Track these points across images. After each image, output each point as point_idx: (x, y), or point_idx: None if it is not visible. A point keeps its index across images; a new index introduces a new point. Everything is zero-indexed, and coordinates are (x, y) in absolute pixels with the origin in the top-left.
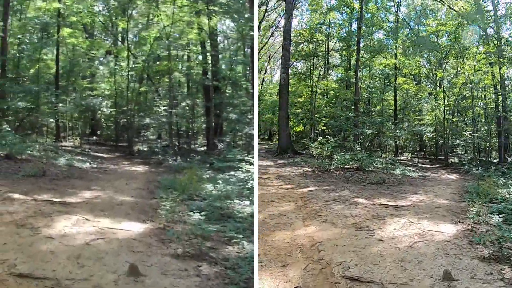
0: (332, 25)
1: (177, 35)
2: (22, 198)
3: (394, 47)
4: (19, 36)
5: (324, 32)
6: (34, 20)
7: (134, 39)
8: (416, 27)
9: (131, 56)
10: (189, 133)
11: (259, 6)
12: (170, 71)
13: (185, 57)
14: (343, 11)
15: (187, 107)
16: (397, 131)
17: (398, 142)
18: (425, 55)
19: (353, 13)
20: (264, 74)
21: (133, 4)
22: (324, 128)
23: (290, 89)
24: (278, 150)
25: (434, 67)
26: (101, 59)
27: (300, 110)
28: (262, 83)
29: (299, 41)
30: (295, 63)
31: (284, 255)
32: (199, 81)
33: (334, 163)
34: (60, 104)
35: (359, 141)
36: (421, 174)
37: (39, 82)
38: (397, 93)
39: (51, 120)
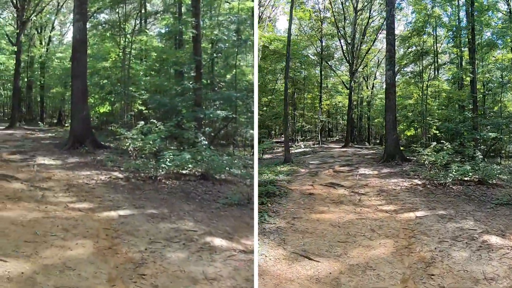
0: (439, 26)
1: None
2: None
3: (509, 40)
4: (212, 36)
5: (431, 29)
6: (229, 18)
7: None
8: None
9: None
10: None
11: (360, 10)
12: None
13: None
14: (451, 5)
15: None
16: None
17: None
18: None
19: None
20: (374, 79)
21: None
22: (436, 132)
23: (400, 93)
24: (384, 156)
25: None
26: None
27: (410, 114)
28: (373, 88)
29: (407, 44)
30: (404, 69)
31: None
32: None
33: (450, 175)
34: None
35: (480, 147)
36: None
37: (235, 89)
38: None
39: (251, 131)
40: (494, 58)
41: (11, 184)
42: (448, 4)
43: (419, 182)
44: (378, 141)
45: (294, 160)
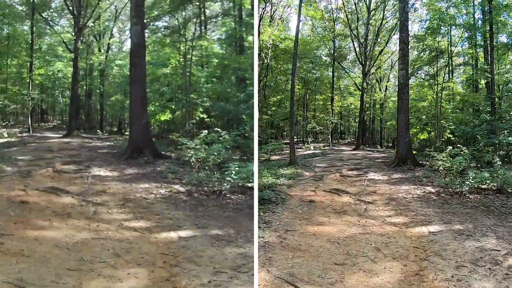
0: (453, 27)
1: None
2: None
3: None
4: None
5: (446, 30)
6: None
7: None
8: None
9: None
10: None
11: (373, 10)
12: None
13: None
14: (466, 6)
15: None
16: None
17: None
18: None
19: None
20: (387, 82)
21: None
22: (450, 136)
23: (413, 95)
24: (395, 160)
25: None
26: None
27: (424, 116)
28: (386, 90)
29: (421, 45)
30: (418, 71)
31: None
32: None
33: (467, 182)
34: None
35: (498, 153)
36: None
37: None
38: None
39: None
40: (510, 60)
41: (60, 199)
42: (463, 4)
43: (433, 190)
44: (390, 144)
45: (300, 162)
